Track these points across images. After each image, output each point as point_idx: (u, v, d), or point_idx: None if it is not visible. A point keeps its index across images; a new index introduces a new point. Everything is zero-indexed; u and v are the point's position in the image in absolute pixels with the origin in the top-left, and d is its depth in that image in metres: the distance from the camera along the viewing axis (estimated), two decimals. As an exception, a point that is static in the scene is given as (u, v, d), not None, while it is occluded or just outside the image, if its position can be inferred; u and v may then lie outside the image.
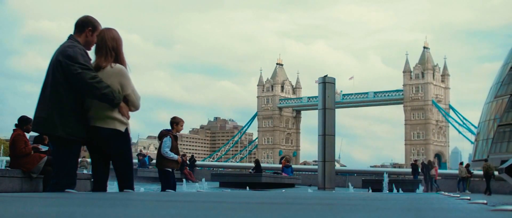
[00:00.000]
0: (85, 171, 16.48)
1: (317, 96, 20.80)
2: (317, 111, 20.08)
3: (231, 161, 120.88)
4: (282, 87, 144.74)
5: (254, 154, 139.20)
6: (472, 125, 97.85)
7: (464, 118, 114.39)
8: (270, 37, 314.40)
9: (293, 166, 35.58)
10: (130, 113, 4.86)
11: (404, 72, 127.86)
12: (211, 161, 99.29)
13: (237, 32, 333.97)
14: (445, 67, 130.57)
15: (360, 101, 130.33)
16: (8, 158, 9.79)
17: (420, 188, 26.28)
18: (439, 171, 36.45)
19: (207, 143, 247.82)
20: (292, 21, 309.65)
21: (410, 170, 34.96)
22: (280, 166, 35.93)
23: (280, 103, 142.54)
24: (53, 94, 4.64)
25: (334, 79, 19.97)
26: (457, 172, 32.04)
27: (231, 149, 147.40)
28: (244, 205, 2.83)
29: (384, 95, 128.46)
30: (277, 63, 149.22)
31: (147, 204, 2.74)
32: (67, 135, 4.63)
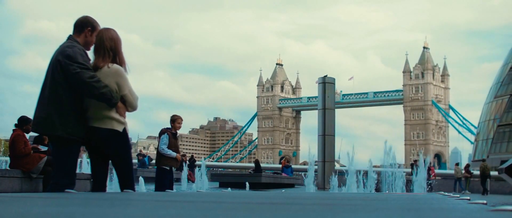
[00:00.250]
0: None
1: (317, 97, 20.81)
2: (317, 111, 20.10)
3: (231, 161, 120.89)
4: (282, 87, 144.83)
5: (254, 154, 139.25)
6: (472, 125, 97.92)
7: (464, 118, 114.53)
8: (269, 37, 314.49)
9: (293, 166, 35.60)
10: (128, 113, 4.87)
11: (404, 72, 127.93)
12: (211, 161, 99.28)
13: (236, 32, 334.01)
14: (445, 68, 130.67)
15: (360, 101, 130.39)
16: (8, 158, 9.79)
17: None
18: (439, 171, 36.43)
19: (207, 143, 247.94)
20: (292, 21, 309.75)
21: (409, 170, 34.98)
22: (280, 166, 35.95)
23: (280, 103, 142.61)
24: (53, 94, 4.65)
25: (334, 79, 19.97)
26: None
27: (231, 149, 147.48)
28: (244, 205, 2.83)
29: (384, 96, 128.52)
30: (277, 64, 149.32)
31: (147, 204, 2.74)
32: (66, 134, 4.64)
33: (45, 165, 8.02)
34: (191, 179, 28.26)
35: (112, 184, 8.84)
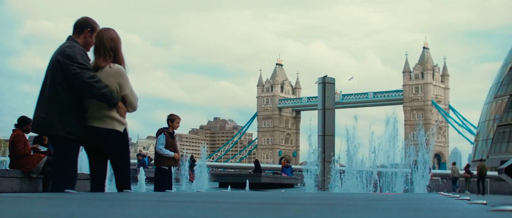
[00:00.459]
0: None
1: (316, 97, 20.83)
2: (316, 111, 20.11)
3: (231, 161, 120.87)
4: (282, 87, 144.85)
5: (254, 154, 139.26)
6: (472, 125, 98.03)
7: (463, 118, 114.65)
8: (269, 38, 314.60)
9: (293, 166, 35.60)
10: (128, 113, 4.87)
11: (403, 72, 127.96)
12: (211, 161, 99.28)
13: (236, 32, 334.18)
14: (444, 68, 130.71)
15: (359, 101, 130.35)
16: (7, 159, 9.77)
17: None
18: (439, 171, 36.41)
19: (207, 143, 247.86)
20: (291, 21, 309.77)
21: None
22: (280, 166, 35.95)
23: (280, 103, 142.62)
24: (52, 94, 4.65)
25: (334, 79, 19.99)
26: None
27: (230, 149, 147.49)
28: (244, 205, 2.83)
29: (384, 96, 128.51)
30: (276, 64, 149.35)
31: (147, 204, 2.74)
32: (66, 134, 4.63)
33: (45, 165, 8.02)
34: (190, 179, 28.28)
35: (112, 183, 8.84)
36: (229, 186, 22.60)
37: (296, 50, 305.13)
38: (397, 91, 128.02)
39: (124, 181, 4.91)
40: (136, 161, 32.69)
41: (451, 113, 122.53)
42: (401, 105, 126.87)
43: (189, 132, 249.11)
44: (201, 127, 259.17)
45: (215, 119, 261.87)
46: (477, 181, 27.09)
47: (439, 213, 2.35)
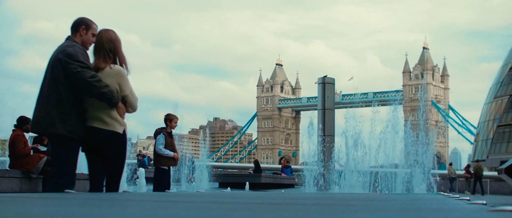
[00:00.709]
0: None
1: (316, 97, 20.84)
2: (316, 111, 20.12)
3: (231, 162, 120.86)
4: (282, 87, 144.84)
5: (254, 154, 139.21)
6: (472, 125, 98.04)
7: (463, 118, 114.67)
8: (269, 38, 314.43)
9: (293, 166, 35.61)
10: (127, 114, 4.89)
11: (403, 72, 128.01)
12: (211, 162, 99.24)
13: (235, 32, 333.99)
14: (444, 68, 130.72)
15: (359, 101, 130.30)
16: (7, 159, 9.75)
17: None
18: (439, 171, 36.45)
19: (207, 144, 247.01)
20: (291, 21, 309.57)
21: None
22: (280, 166, 35.94)
23: (280, 103, 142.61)
24: (53, 93, 4.64)
25: (334, 79, 20.01)
26: (458, 172, 32.11)
27: (230, 150, 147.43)
28: (244, 206, 2.83)
29: (384, 96, 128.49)
30: (276, 64, 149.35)
31: (146, 205, 2.74)
32: (68, 132, 4.63)
33: (44, 165, 8.02)
34: (190, 179, 28.27)
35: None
36: (229, 186, 22.62)
37: (296, 50, 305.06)
38: (397, 91, 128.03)
39: (115, 182, 4.93)
40: (136, 161, 32.69)
41: (451, 113, 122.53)
42: (401, 106, 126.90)
43: (189, 132, 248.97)
44: (201, 127, 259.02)
45: (215, 119, 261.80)
46: (474, 181, 27.22)
47: (439, 213, 2.35)
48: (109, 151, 4.82)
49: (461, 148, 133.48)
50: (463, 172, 30.52)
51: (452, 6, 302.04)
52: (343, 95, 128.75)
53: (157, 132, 9.21)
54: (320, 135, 19.25)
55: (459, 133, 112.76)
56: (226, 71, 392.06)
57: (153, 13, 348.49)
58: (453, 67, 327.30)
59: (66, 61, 4.61)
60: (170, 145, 9.13)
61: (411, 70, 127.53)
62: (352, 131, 19.59)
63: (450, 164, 31.75)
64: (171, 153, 9.09)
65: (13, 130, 8.36)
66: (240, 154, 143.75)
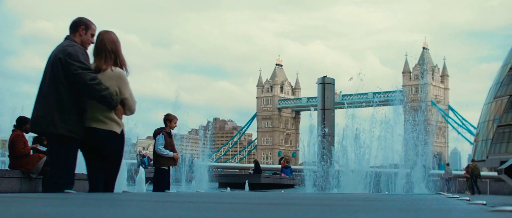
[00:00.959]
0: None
1: (316, 97, 20.85)
2: (316, 111, 20.12)
3: (231, 162, 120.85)
4: (282, 88, 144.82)
5: (254, 154, 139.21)
6: (472, 125, 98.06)
7: (463, 118, 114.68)
8: (268, 38, 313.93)
9: (293, 166, 35.63)
10: (126, 116, 4.93)
11: (403, 73, 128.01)
12: (211, 162, 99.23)
13: (235, 32, 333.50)
14: (444, 68, 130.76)
15: (359, 102, 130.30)
16: (7, 159, 9.75)
17: None
18: (438, 171, 36.47)
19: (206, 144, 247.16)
20: (290, 21, 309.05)
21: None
22: (280, 166, 35.94)
23: (280, 104, 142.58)
24: (52, 92, 4.63)
25: (334, 80, 20.02)
26: (456, 172, 32.19)
27: (230, 150, 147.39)
28: (244, 206, 2.83)
29: (384, 96, 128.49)
30: (276, 64, 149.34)
31: (146, 205, 2.74)
32: (68, 132, 4.62)
33: (44, 165, 8.02)
34: (189, 178, 28.29)
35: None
36: (229, 186, 22.62)
37: (295, 51, 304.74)
38: (396, 91, 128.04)
39: (111, 182, 4.95)
40: (136, 161, 32.72)
41: (450, 113, 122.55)
42: (401, 106, 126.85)
43: (189, 132, 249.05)
44: (201, 127, 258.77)
45: (215, 119, 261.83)
46: (472, 181, 27.36)
47: (439, 213, 2.35)
48: (107, 151, 4.84)
49: (461, 148, 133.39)
50: (464, 172, 30.57)
51: (452, 6, 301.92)
52: (343, 95, 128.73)
53: (157, 132, 9.21)
54: (320, 135, 19.26)
55: (459, 133, 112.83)
56: (226, 72, 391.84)
57: (153, 13, 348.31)
58: (453, 67, 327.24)
59: (67, 61, 4.60)
60: (169, 145, 9.14)
61: (411, 70, 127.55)
62: (352, 131, 19.60)
63: (447, 165, 31.88)
64: (171, 153, 9.10)
65: (12, 130, 8.36)
66: (240, 154, 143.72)
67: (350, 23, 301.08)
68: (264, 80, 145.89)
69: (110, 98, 4.62)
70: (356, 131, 19.70)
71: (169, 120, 9.21)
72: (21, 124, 8.25)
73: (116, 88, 4.72)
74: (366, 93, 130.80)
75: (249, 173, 32.95)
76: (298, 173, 38.53)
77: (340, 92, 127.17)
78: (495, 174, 27.64)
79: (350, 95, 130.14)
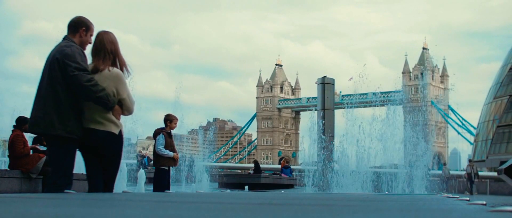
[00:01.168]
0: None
1: (316, 97, 20.85)
2: (316, 111, 20.12)
3: (231, 162, 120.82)
4: (281, 88, 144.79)
5: (253, 154, 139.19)
6: (471, 125, 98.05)
7: (463, 118, 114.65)
8: (268, 38, 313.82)
9: (292, 166, 35.61)
10: (124, 116, 4.93)
11: (403, 73, 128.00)
12: (210, 162, 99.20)
13: (235, 32, 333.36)
14: (444, 68, 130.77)
15: (359, 102, 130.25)
16: (7, 159, 9.74)
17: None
18: (438, 171, 36.49)
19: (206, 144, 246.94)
20: (290, 22, 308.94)
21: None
22: (280, 166, 35.93)
23: (279, 104, 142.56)
24: (50, 93, 4.63)
25: (334, 80, 20.02)
26: (456, 173, 32.23)
27: (230, 150, 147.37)
28: (243, 206, 2.83)
29: (384, 96, 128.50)
30: (276, 64, 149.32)
31: (146, 205, 2.74)
32: (66, 133, 4.62)
33: (44, 165, 8.02)
34: (189, 179, 28.26)
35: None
36: (229, 186, 22.61)
37: (295, 51, 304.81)
38: (396, 92, 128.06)
39: (110, 183, 4.95)
40: (136, 161, 32.72)
41: (450, 114, 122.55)
42: (401, 106, 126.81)
43: (188, 132, 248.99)
44: (201, 127, 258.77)
45: (215, 119, 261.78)
46: (469, 181, 27.49)
47: (438, 213, 2.35)
48: (106, 151, 4.84)
49: (461, 148, 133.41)
50: (464, 172, 30.62)
51: (451, 7, 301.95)
52: (343, 95, 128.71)
53: (157, 132, 9.22)
54: (320, 135, 19.25)
55: (458, 133, 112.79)
56: (226, 72, 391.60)
57: (152, 13, 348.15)
58: (453, 68, 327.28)
59: (64, 62, 4.60)
60: (170, 145, 9.14)
61: (411, 70, 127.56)
62: (351, 131, 19.61)
63: (445, 164, 31.95)
64: (171, 153, 9.10)
65: (12, 130, 8.36)
66: (239, 154, 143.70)
67: (349, 23, 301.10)
68: (264, 80, 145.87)
69: (106, 100, 4.62)
70: (357, 130, 19.71)
71: (170, 120, 9.22)
72: (21, 124, 8.25)
73: (114, 89, 4.72)
74: (366, 94, 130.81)
75: (249, 173, 32.94)
76: (298, 173, 38.55)
77: (340, 92, 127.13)
78: (495, 174, 27.68)
79: (350, 95, 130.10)
